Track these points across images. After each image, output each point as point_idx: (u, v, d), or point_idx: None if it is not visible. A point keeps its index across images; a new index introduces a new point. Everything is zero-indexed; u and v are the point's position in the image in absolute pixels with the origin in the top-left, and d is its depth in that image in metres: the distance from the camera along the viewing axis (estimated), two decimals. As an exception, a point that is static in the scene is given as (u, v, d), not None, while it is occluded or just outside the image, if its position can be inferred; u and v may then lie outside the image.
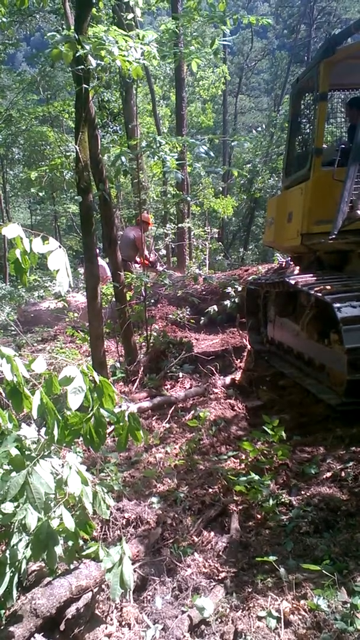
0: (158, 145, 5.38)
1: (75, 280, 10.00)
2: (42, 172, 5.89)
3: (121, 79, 12.55)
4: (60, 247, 2.25)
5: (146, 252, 9.83)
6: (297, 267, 6.75)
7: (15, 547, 2.30)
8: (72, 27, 4.78)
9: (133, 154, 6.33)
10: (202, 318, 8.91)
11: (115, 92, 15.54)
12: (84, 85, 4.89)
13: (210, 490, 3.69)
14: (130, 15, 4.84)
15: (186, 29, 5.84)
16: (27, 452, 2.30)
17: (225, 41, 5.60)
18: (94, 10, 5.19)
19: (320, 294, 4.50)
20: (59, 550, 2.25)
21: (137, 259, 9.04)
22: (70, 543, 2.42)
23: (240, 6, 33.54)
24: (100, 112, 15.26)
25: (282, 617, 2.29)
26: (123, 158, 5.72)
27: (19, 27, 17.65)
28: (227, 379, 6.00)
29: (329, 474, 3.65)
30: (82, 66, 4.64)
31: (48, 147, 19.08)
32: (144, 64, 4.76)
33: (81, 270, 9.05)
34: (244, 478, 3.57)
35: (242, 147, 5.73)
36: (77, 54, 4.40)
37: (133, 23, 4.91)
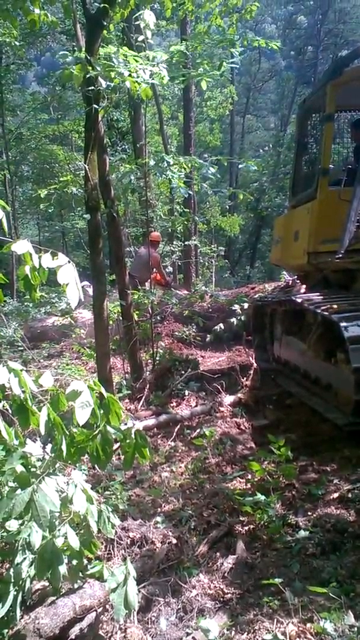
0: (166, 165, 5.42)
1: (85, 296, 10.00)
2: (51, 190, 5.94)
3: (130, 99, 12.73)
4: (69, 262, 2.26)
5: (165, 272, 9.86)
6: (304, 286, 6.75)
7: (19, 565, 2.28)
8: (83, 49, 4.85)
9: (141, 172, 6.39)
10: (209, 335, 8.90)
11: (124, 112, 15.73)
12: (94, 106, 4.95)
13: (216, 510, 3.66)
14: (141, 37, 4.91)
15: (196, 50, 5.91)
16: (32, 470, 2.29)
17: (233, 63, 5.66)
18: (104, 31, 5.27)
19: (327, 313, 4.50)
20: (63, 569, 2.23)
21: (152, 278, 9.01)
22: (74, 562, 2.40)
23: (248, 27, 34.02)
24: (109, 132, 15.46)
25: (288, 640, 2.26)
26: (132, 176, 5.78)
27: (29, 47, 17.99)
28: (233, 398, 5.97)
29: (335, 495, 3.61)
30: (92, 87, 4.71)
31: (57, 165, 19.27)
32: (153, 83, 4.82)
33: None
34: (250, 498, 3.54)
35: (248, 169, 5.77)
36: (88, 75, 4.46)
37: (143, 45, 4.98)
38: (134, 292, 6.78)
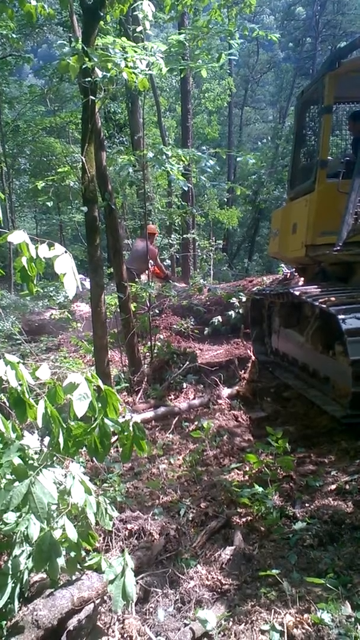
0: (165, 157, 5.40)
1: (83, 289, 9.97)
2: (49, 182, 5.91)
3: (127, 91, 12.66)
4: (66, 252, 2.25)
5: (162, 264, 9.84)
6: (302, 278, 6.75)
7: (17, 557, 2.29)
8: (80, 40, 4.81)
9: (139, 164, 6.36)
10: (207, 328, 8.91)
11: (122, 104, 15.64)
12: (91, 97, 4.92)
13: (214, 502, 3.67)
14: (139, 28, 4.87)
15: (195, 41, 5.88)
16: (30, 462, 2.29)
17: (231, 55, 5.62)
18: (101, 22, 5.23)
19: (324, 306, 4.50)
20: (61, 561, 2.24)
21: (149, 270, 9.00)
22: (72, 554, 2.41)
23: (246, 19, 33.79)
24: (106, 124, 15.38)
25: (285, 631, 2.27)
26: (130, 168, 5.75)
27: (26, 39, 17.85)
28: (231, 390, 5.98)
29: (333, 487, 3.62)
30: (89, 78, 4.67)
31: (54, 157, 19.19)
32: (151, 74, 4.79)
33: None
34: (248, 490, 3.55)
35: (246, 162, 5.78)
36: (84, 66, 4.43)
37: (141, 36, 4.95)
38: (132, 285, 6.77)
